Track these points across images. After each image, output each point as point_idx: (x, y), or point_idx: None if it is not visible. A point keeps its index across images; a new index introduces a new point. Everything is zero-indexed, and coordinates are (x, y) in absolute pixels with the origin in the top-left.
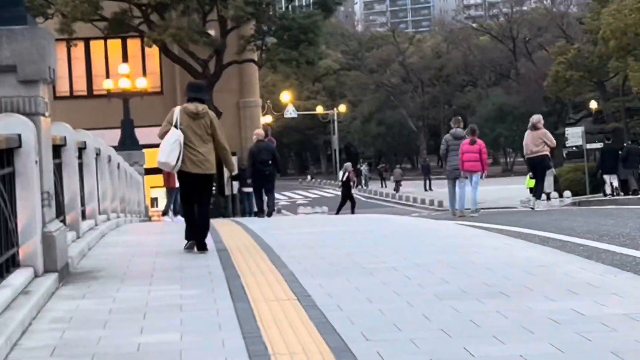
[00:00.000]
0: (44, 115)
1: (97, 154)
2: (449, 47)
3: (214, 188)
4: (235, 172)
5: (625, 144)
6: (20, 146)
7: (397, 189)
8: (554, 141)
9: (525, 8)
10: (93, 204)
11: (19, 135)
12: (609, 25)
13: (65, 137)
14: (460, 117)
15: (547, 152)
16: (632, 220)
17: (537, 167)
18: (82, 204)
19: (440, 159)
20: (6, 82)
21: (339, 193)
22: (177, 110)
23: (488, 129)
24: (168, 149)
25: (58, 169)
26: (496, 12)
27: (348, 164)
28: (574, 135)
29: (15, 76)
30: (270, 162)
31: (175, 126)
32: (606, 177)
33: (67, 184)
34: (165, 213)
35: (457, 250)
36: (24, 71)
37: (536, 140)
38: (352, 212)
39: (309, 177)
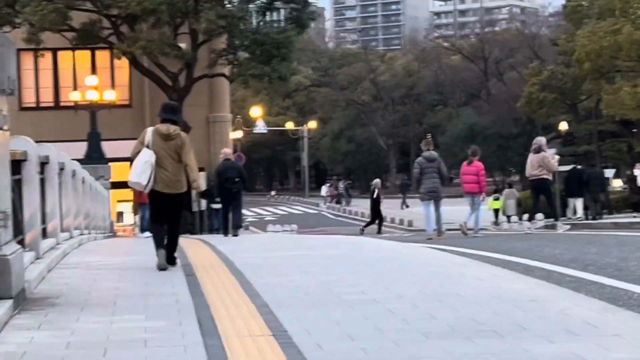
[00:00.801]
0: (2, 129)
1: (61, 169)
2: (420, 65)
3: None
4: (202, 190)
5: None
6: None
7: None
8: (552, 166)
9: (497, 28)
10: (55, 221)
11: None
12: (583, 48)
13: (26, 152)
14: (430, 139)
15: (547, 176)
16: (615, 248)
17: (537, 189)
18: (44, 222)
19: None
20: None
21: (307, 210)
22: (149, 131)
23: (458, 149)
24: (139, 170)
25: (18, 185)
26: (468, 31)
27: (377, 181)
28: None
29: None
30: (237, 179)
31: (148, 147)
32: (570, 200)
33: (28, 201)
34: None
35: (441, 280)
36: None
37: (535, 163)
38: (379, 232)
39: (273, 193)
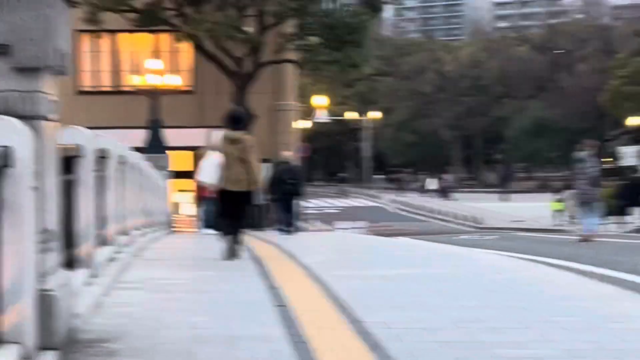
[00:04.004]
0: (47, 118)
1: (122, 162)
2: (486, 56)
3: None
4: (262, 188)
5: None
6: (7, 165)
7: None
8: None
9: (564, 20)
10: (114, 226)
11: (6, 149)
12: None
13: (81, 146)
14: (592, 141)
15: None
16: None
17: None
18: (101, 227)
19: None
20: None
21: (370, 203)
22: (218, 135)
23: (525, 143)
24: (208, 169)
25: (71, 188)
26: (530, 23)
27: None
28: (629, 155)
29: (7, 61)
30: (292, 181)
31: (216, 150)
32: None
33: (83, 206)
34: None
35: (606, 325)
36: (20, 54)
37: None
38: None
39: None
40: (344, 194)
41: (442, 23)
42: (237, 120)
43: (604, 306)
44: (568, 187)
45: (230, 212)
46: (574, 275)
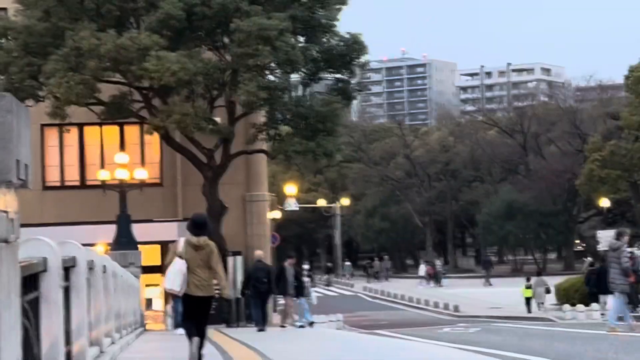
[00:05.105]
0: (7, 241)
1: (90, 268)
2: (456, 140)
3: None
4: (230, 297)
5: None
6: None
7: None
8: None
9: (531, 103)
10: (82, 340)
11: None
12: None
13: (45, 259)
14: (626, 230)
15: None
16: None
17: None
18: (68, 342)
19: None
20: None
21: (343, 292)
22: (182, 241)
23: (497, 227)
24: (172, 277)
25: (34, 307)
26: (500, 106)
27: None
28: (607, 238)
29: None
30: (265, 280)
31: (180, 257)
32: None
33: (47, 327)
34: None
35: None
36: None
37: None
38: None
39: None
40: (315, 283)
41: (408, 108)
42: (201, 226)
43: None
44: (540, 273)
45: (193, 316)
46: None
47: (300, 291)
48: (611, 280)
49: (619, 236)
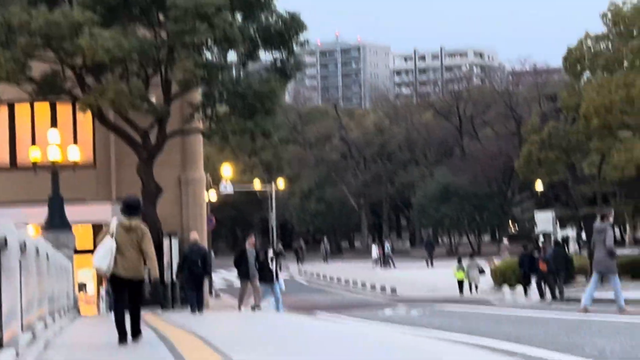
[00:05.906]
0: None
1: (21, 250)
2: (392, 123)
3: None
4: (158, 278)
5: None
6: None
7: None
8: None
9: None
10: (14, 324)
11: None
12: (592, 102)
13: None
14: (610, 210)
15: None
16: None
17: None
18: None
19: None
20: None
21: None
22: (114, 221)
23: (432, 209)
24: (102, 254)
25: None
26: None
27: None
28: (544, 221)
29: None
30: (199, 262)
31: (111, 236)
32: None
33: None
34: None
35: None
36: None
37: None
38: None
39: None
40: None
41: (343, 91)
42: (133, 208)
43: None
44: (473, 255)
45: (124, 299)
46: None
47: (267, 276)
48: (596, 261)
49: (603, 218)
